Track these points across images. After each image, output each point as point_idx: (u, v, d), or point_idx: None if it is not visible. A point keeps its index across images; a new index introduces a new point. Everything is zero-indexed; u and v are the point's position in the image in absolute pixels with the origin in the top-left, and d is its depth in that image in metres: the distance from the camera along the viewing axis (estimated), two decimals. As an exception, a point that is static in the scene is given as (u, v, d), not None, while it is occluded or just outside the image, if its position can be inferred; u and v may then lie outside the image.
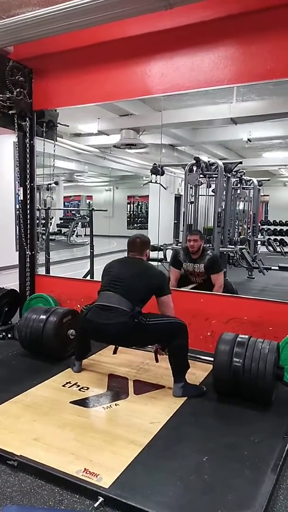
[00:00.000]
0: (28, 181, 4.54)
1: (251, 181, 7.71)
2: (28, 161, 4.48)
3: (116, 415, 2.79)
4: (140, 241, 3.25)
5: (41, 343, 3.59)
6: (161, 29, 3.61)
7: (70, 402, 2.90)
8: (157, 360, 3.30)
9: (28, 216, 4.55)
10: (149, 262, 3.34)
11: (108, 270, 3.20)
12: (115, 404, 2.90)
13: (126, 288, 2.97)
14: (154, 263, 4.45)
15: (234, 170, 6.66)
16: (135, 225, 15.95)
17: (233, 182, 7.00)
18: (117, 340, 3.13)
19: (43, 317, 3.65)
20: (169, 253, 5.17)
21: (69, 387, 3.14)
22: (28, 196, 4.53)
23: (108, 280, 3.11)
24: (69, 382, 3.21)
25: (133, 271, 3.10)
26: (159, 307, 3.11)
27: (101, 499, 1.93)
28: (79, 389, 3.10)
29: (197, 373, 3.31)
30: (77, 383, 3.20)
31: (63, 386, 3.16)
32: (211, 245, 5.79)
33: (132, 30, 3.72)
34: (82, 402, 2.91)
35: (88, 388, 3.12)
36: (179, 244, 6.34)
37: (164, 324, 3.02)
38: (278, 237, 9.81)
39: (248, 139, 6.81)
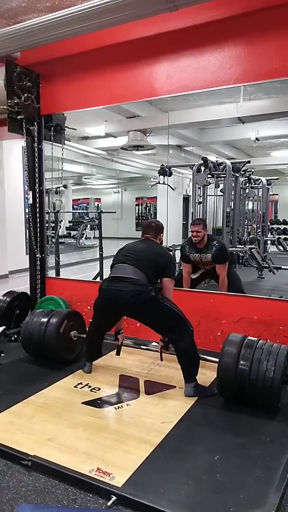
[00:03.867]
0: (37, 185, 4.58)
1: (260, 180, 7.67)
2: (36, 165, 4.53)
3: (127, 415, 2.81)
4: (155, 225, 3.39)
5: (43, 347, 3.53)
6: (167, 31, 3.63)
7: (82, 403, 2.93)
8: (161, 359, 3.31)
9: (38, 219, 4.61)
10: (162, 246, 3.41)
11: (122, 248, 3.28)
12: (127, 404, 2.92)
13: (140, 260, 3.04)
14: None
15: (242, 169, 6.64)
16: (144, 226, 15.90)
17: (242, 182, 6.97)
18: (130, 306, 2.99)
19: (44, 320, 3.58)
20: (178, 254, 5.17)
21: (80, 388, 3.17)
22: (38, 200, 4.59)
23: (122, 254, 3.18)
24: (81, 383, 3.24)
25: (145, 245, 3.22)
26: None
27: (114, 498, 1.95)
28: (91, 390, 3.13)
29: (207, 373, 3.30)
30: (88, 383, 3.23)
31: (75, 387, 3.19)
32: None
33: (137, 32, 3.74)
34: (94, 403, 2.94)
35: (99, 389, 3.14)
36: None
37: (176, 313, 3.01)
38: (288, 236, 9.73)
39: (256, 138, 6.75)
